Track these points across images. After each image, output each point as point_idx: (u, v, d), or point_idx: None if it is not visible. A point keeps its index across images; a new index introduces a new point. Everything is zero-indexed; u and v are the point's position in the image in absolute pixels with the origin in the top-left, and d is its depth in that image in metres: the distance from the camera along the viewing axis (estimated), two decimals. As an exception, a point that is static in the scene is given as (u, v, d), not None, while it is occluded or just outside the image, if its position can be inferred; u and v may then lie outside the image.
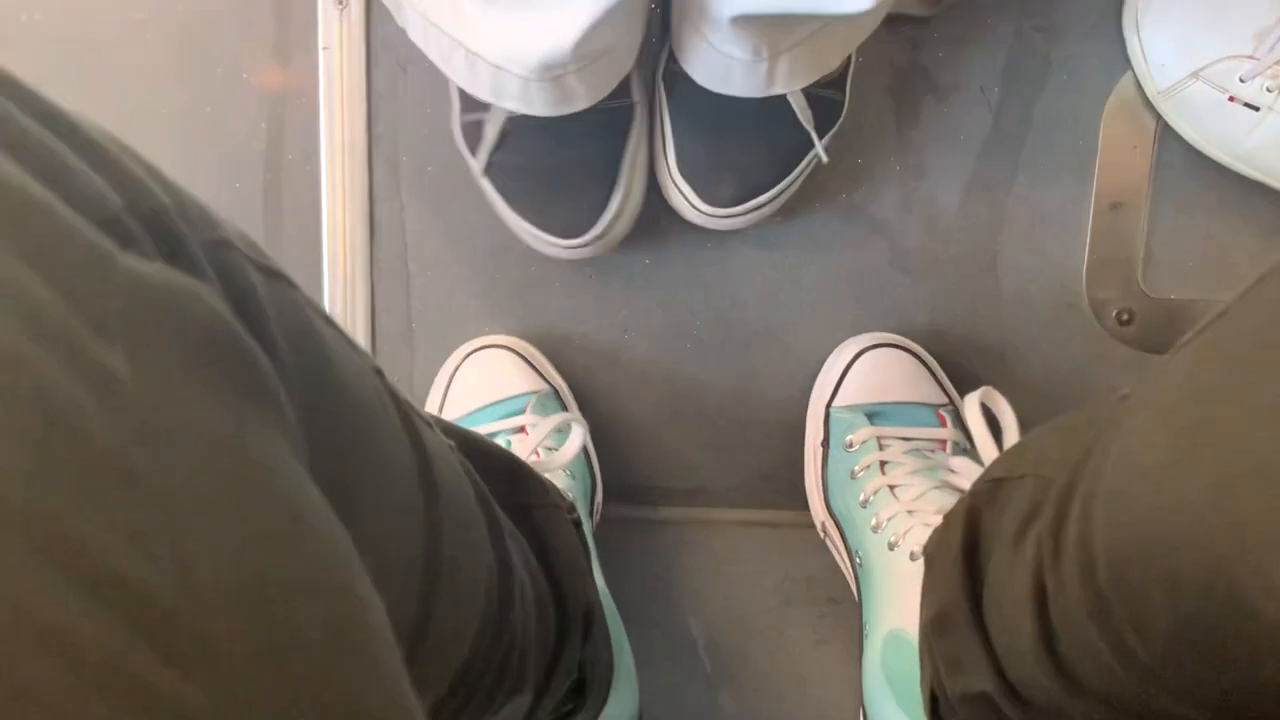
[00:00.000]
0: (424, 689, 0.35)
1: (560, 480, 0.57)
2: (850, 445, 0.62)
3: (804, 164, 0.62)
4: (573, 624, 0.46)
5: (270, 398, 0.22)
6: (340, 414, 0.28)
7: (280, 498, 0.21)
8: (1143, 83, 0.65)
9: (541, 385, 0.64)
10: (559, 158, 0.59)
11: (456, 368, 0.65)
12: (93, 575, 0.16)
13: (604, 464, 0.68)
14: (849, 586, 0.65)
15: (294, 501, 0.21)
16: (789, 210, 0.67)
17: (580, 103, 0.55)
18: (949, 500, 0.56)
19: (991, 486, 0.47)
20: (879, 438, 0.61)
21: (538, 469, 0.52)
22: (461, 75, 0.54)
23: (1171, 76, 0.64)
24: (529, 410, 0.62)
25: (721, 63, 0.55)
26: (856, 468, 0.61)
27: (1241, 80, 0.62)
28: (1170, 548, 0.31)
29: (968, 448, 0.61)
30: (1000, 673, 0.43)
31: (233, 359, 0.21)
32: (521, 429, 0.61)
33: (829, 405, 0.65)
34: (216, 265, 0.24)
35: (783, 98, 0.58)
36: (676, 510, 0.69)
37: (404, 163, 0.67)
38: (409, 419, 0.32)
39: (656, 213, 0.67)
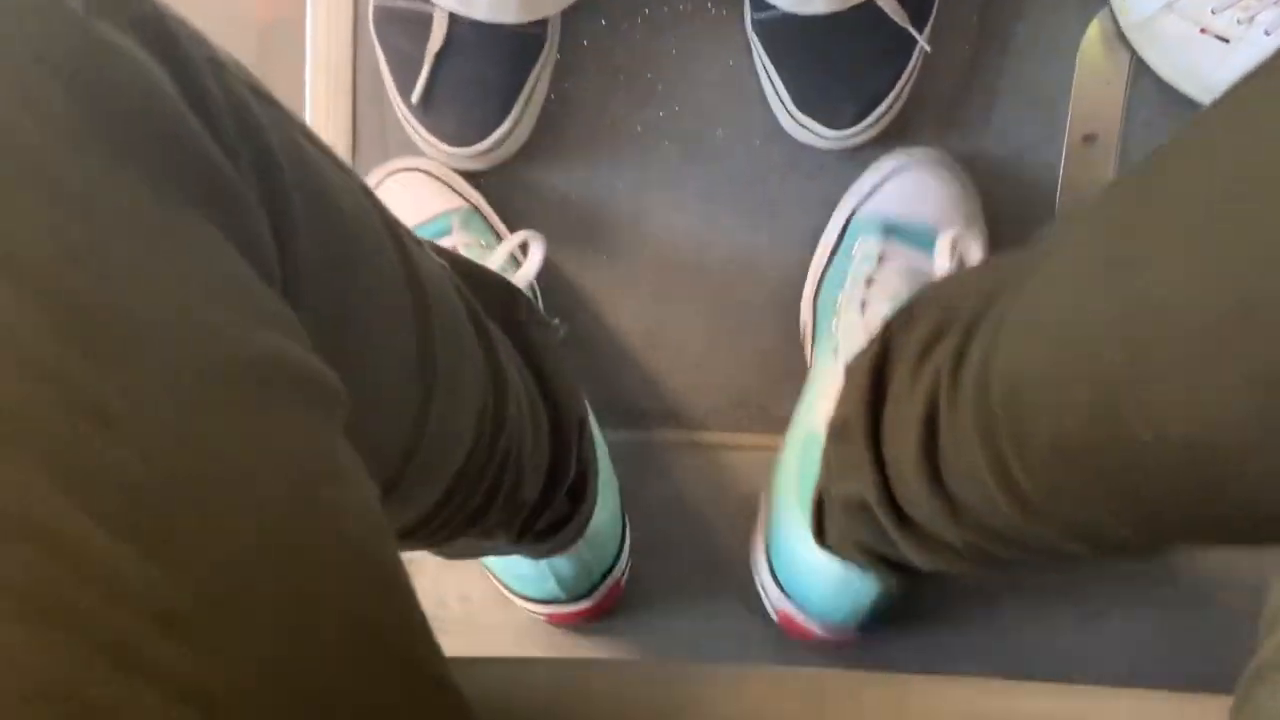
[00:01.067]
0: (427, 480, 0.37)
1: None
2: (854, 253, 0.62)
3: (913, 61, 0.63)
4: (569, 431, 0.48)
5: (218, 197, 0.23)
6: (332, 223, 0.29)
7: (212, 247, 0.22)
8: (1118, 15, 0.66)
9: (460, 203, 0.65)
10: (465, 70, 0.62)
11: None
12: (32, 280, 0.18)
13: (583, 386, 0.69)
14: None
15: (223, 255, 0.23)
16: (768, 135, 0.68)
17: (551, 7, 0.57)
18: None
19: (908, 311, 0.49)
20: (882, 254, 0.61)
21: None
22: None
23: (1146, 9, 0.65)
24: (456, 230, 0.62)
25: None
26: (849, 278, 0.61)
27: (1213, 12, 0.63)
28: (1065, 375, 0.33)
29: None
30: (885, 485, 0.45)
31: (180, 152, 0.22)
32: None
33: (855, 210, 0.64)
34: (214, 76, 0.25)
35: (872, 5, 0.60)
36: (652, 433, 0.70)
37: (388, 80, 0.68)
38: (395, 232, 0.34)
39: (635, 133, 0.68)
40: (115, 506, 0.17)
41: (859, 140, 0.65)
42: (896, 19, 0.61)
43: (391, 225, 0.34)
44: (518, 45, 0.62)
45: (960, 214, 0.64)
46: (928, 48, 0.63)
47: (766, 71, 0.65)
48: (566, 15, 0.64)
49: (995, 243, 0.68)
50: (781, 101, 0.65)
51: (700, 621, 0.65)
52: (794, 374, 0.67)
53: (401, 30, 0.63)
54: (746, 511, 0.66)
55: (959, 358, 0.40)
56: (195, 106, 0.24)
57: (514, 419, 0.41)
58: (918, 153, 0.65)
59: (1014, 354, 0.36)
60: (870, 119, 0.64)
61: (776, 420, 0.68)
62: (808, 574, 0.58)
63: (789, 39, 0.63)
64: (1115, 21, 0.67)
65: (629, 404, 0.69)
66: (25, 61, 0.19)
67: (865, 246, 0.62)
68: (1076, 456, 0.33)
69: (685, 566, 0.65)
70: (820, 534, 0.54)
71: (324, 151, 0.31)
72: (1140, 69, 0.67)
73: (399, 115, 0.66)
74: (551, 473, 0.48)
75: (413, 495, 0.37)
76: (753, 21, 0.64)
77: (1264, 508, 0.29)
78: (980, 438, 0.37)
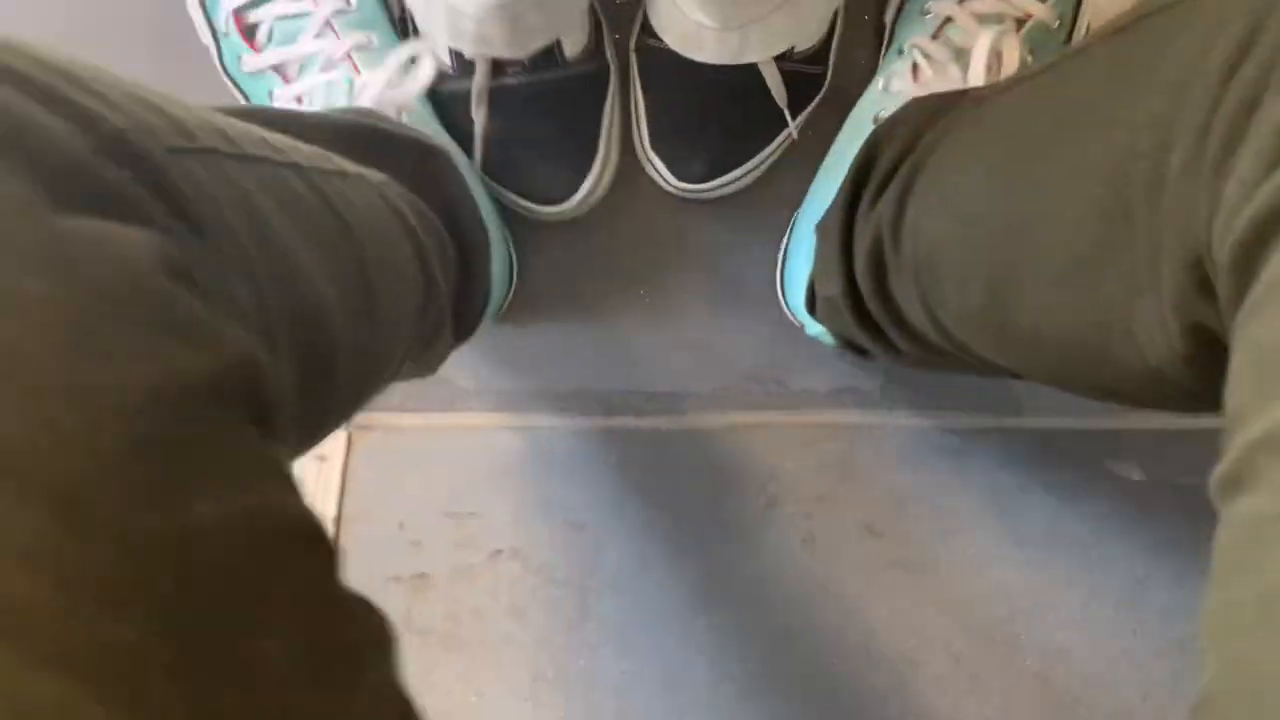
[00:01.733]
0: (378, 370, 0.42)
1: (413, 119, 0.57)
2: None
3: (777, 141, 0.61)
4: (479, 263, 0.53)
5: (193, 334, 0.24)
6: (291, 287, 0.31)
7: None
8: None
9: None
10: (540, 128, 0.59)
11: None
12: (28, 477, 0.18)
13: (584, 373, 0.66)
14: (835, 483, 0.63)
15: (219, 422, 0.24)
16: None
17: (540, 38, 0.54)
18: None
19: (889, 124, 0.51)
20: None
21: (387, 105, 0.54)
22: (419, 10, 0.53)
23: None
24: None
25: (693, 29, 0.54)
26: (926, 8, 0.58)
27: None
28: (967, 264, 0.41)
29: (1050, 30, 0.57)
30: (852, 287, 0.51)
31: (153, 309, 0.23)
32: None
33: None
34: (155, 179, 0.25)
35: (755, 72, 0.57)
36: (659, 419, 0.67)
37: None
38: (334, 210, 0.36)
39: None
40: (114, 681, 0.18)
41: (702, 197, 0.62)
42: (775, 96, 0.58)
43: (330, 203, 0.36)
44: (580, 88, 0.59)
45: None
46: (795, 134, 0.60)
47: (635, 95, 0.62)
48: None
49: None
50: (638, 130, 0.62)
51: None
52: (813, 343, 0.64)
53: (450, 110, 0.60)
54: (764, 496, 0.64)
55: (900, 206, 0.45)
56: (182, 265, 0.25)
57: (438, 284, 0.46)
58: None
59: (932, 229, 0.43)
60: (719, 182, 0.61)
61: (794, 394, 0.66)
62: (803, 313, 0.61)
63: (665, 73, 0.59)
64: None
65: (632, 389, 0.67)
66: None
67: None
68: (976, 326, 0.42)
69: (695, 575, 0.63)
70: (812, 309, 0.59)
71: (258, 158, 0.32)
72: None
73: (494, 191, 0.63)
74: (460, 299, 0.52)
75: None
76: (637, 41, 0.61)
77: (1113, 395, 0.38)
78: (914, 284, 0.45)
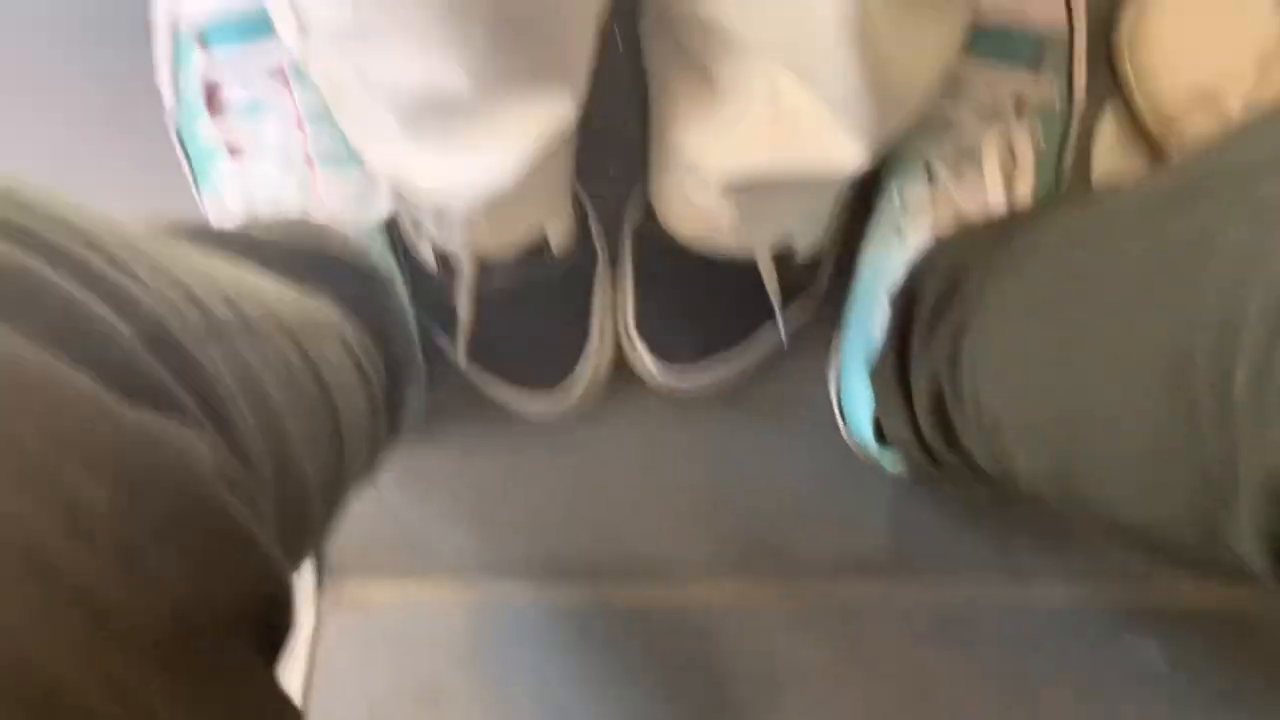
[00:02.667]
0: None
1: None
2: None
3: (765, 340, 0.59)
4: (405, 387, 0.52)
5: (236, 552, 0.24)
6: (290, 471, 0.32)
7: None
8: (1139, 110, 0.61)
9: None
10: (526, 325, 0.57)
11: None
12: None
13: (569, 541, 0.61)
14: (843, 667, 0.59)
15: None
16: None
17: (526, 227, 0.52)
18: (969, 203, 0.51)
19: (930, 257, 0.49)
20: (955, 81, 0.51)
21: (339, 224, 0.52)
22: (403, 209, 0.53)
23: (1171, 102, 0.60)
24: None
25: (709, 224, 0.53)
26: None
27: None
28: (1034, 442, 0.39)
29: (1061, 99, 0.52)
30: (917, 428, 0.48)
31: (202, 521, 0.23)
32: (282, 77, 0.53)
33: None
34: (192, 375, 0.25)
35: (756, 270, 0.56)
36: (652, 591, 0.62)
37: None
38: (319, 378, 0.37)
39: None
40: None
41: (687, 385, 0.60)
42: (771, 296, 0.56)
43: (319, 377, 0.37)
44: (566, 277, 0.56)
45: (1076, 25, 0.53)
46: (784, 338, 0.58)
47: (625, 280, 0.59)
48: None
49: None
50: (623, 315, 0.59)
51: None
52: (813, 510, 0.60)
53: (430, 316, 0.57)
54: (770, 684, 0.59)
55: (954, 362, 0.43)
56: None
57: (381, 414, 0.47)
58: None
59: (992, 400, 0.41)
60: (700, 365, 0.59)
61: (794, 564, 0.61)
62: (873, 446, 0.57)
63: (660, 260, 0.57)
64: (1133, 118, 0.62)
65: (614, 561, 0.62)
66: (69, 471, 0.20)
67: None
68: (1046, 492, 0.39)
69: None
70: (881, 439, 0.55)
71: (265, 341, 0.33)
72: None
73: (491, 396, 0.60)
74: (390, 415, 0.51)
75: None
76: (640, 227, 0.58)
77: (1195, 571, 0.37)
78: (982, 444, 0.42)
